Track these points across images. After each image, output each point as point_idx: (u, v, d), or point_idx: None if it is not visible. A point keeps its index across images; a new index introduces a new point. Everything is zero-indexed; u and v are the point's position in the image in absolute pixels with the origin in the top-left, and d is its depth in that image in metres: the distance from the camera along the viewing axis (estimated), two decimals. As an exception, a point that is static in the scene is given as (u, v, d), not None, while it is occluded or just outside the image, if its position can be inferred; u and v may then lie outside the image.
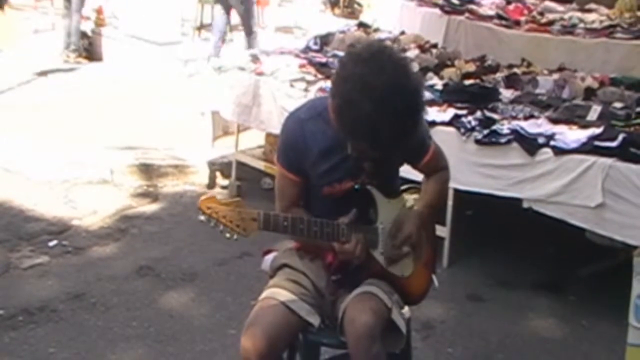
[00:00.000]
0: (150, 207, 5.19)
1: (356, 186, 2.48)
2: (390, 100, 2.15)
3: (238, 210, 2.28)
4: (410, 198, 2.69)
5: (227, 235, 2.30)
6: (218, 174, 5.68)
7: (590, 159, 3.85)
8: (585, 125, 4.11)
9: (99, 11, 9.50)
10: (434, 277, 2.76)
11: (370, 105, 2.14)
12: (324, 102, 2.45)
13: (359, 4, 12.44)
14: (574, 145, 3.95)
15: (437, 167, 2.67)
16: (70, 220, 4.82)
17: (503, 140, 4.12)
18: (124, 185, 5.40)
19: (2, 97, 7.28)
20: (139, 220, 4.96)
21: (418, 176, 2.74)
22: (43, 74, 8.24)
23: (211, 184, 5.60)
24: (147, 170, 5.54)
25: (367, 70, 2.19)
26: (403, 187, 2.72)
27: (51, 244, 4.50)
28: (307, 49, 5.73)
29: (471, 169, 4.24)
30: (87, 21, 9.45)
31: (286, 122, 2.54)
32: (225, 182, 5.60)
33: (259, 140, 5.71)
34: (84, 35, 9.15)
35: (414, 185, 2.73)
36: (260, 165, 5.44)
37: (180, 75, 8.31)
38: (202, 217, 2.29)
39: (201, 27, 10.05)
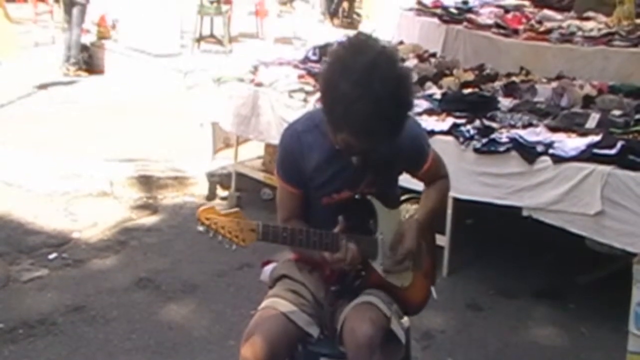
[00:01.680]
0: (150, 219, 5.19)
1: (357, 195, 2.48)
2: (367, 81, 2.14)
3: (237, 221, 2.27)
4: (410, 208, 2.68)
5: (226, 245, 2.30)
6: (218, 185, 5.68)
7: (589, 166, 3.85)
8: (584, 133, 4.11)
9: (100, 23, 9.53)
10: (432, 289, 2.75)
11: (347, 85, 2.14)
12: (321, 114, 2.44)
13: (358, 15, 12.48)
14: (572, 153, 3.95)
15: (436, 176, 2.67)
16: (70, 233, 4.83)
17: (502, 148, 4.13)
18: (124, 197, 5.41)
19: (2, 110, 7.31)
20: (139, 232, 4.96)
21: (418, 185, 2.73)
22: (43, 87, 8.27)
23: (211, 196, 5.60)
24: (147, 182, 5.55)
25: (348, 54, 2.21)
26: (403, 197, 2.71)
27: (51, 256, 4.50)
28: (306, 60, 5.74)
29: (470, 177, 4.24)
30: (88, 34, 9.49)
31: (283, 134, 2.54)
32: (225, 193, 5.60)
33: (258, 151, 5.72)
34: (84, 48, 9.18)
35: (414, 195, 2.73)
36: (260, 175, 5.44)
37: (179, 87, 8.34)
38: (200, 228, 2.29)
39: (200, 38, 10.07)
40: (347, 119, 2.17)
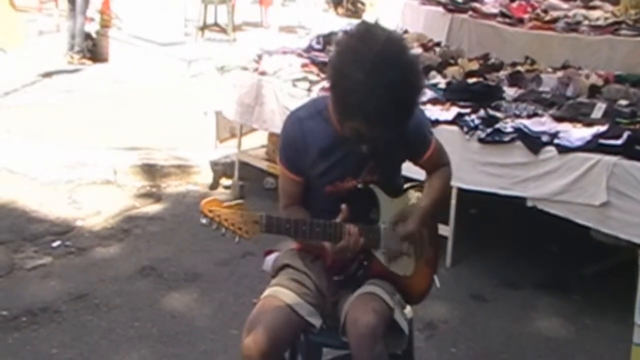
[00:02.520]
0: (153, 208, 5.19)
1: (359, 185, 2.47)
2: (381, 70, 2.13)
3: (240, 213, 2.26)
4: (413, 197, 2.67)
5: (229, 237, 2.29)
6: (221, 174, 5.67)
7: (595, 157, 3.83)
8: (589, 123, 4.08)
9: (102, 11, 9.50)
10: (435, 277, 2.74)
11: (361, 75, 2.13)
12: (324, 101, 2.44)
13: (362, 3, 12.40)
14: (578, 143, 3.92)
15: (439, 163, 2.65)
16: (73, 221, 4.82)
17: (506, 138, 4.10)
18: (127, 185, 5.40)
19: (7, 98, 7.29)
20: (142, 220, 4.96)
21: (420, 174, 2.72)
22: (47, 75, 8.26)
23: (214, 184, 5.59)
24: (150, 170, 5.54)
25: (359, 42, 2.19)
26: (406, 186, 2.70)
27: (54, 244, 4.50)
28: (310, 49, 5.71)
29: (474, 167, 4.22)
30: (92, 22, 9.47)
31: (286, 121, 2.53)
32: (228, 182, 5.59)
33: (261, 140, 5.70)
34: (88, 36, 9.17)
35: (417, 183, 2.72)
36: (263, 165, 5.43)
37: (183, 76, 8.32)
38: (204, 220, 2.28)
39: (204, 27, 10.04)
40: (362, 107, 2.16)
